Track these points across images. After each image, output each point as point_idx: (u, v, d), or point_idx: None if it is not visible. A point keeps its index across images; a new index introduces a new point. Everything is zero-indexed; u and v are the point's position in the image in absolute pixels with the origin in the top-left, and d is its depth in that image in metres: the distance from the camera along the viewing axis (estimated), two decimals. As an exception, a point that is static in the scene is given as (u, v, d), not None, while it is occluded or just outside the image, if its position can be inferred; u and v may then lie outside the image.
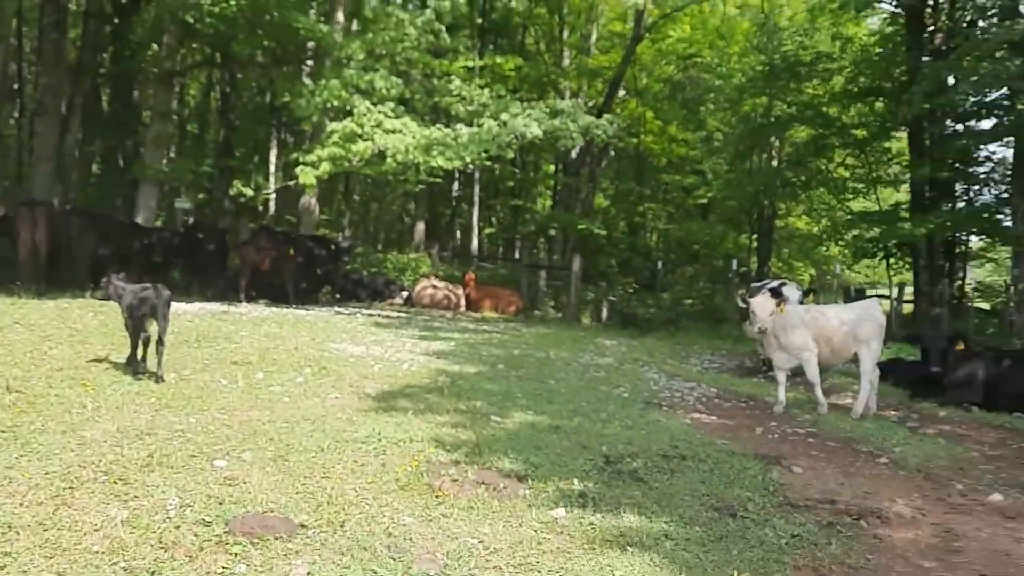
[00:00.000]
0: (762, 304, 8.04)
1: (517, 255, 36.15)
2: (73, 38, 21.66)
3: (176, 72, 18.25)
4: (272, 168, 31.07)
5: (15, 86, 21.59)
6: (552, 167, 34.68)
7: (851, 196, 26.47)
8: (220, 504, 4.39)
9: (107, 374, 7.61)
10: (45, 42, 17.53)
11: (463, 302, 20.31)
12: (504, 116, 14.10)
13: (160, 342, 7.70)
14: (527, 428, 6.75)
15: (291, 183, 16.38)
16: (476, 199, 32.44)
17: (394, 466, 5.37)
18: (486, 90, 15.51)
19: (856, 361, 8.56)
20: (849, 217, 24.79)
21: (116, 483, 4.72)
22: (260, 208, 32.68)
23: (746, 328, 12.87)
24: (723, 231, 34.87)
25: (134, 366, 7.83)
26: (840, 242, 27.27)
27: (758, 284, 13.57)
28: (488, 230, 35.98)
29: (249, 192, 14.93)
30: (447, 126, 14.25)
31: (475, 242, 32.91)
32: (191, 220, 19.74)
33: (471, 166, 14.85)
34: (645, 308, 26.63)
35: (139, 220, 17.67)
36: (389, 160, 13.83)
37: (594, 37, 36.33)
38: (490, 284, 22.50)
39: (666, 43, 34.19)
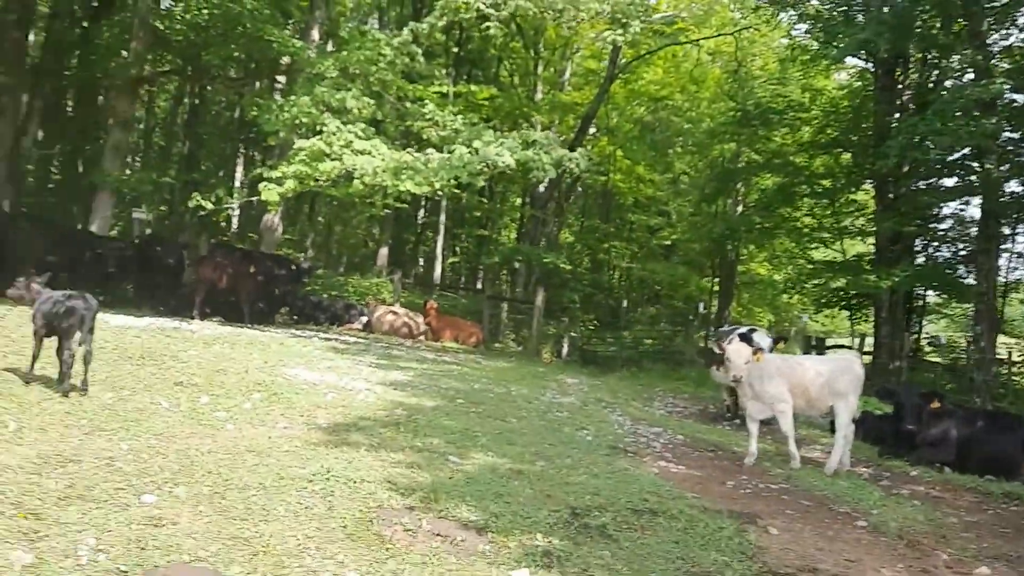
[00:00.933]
0: (738, 351, 7.75)
1: (480, 286, 35.89)
2: (39, 41, 21.06)
3: (142, 79, 17.72)
4: (237, 184, 30.50)
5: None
6: (519, 199, 34.52)
7: (814, 246, 26.66)
8: (142, 550, 3.92)
9: (37, 390, 7.05)
10: (6, 39, 16.91)
11: (423, 330, 19.87)
12: (477, 144, 13.81)
13: (89, 353, 7.14)
14: (487, 472, 6.33)
15: (253, 199, 15.86)
16: (442, 227, 32.12)
17: (342, 510, 4.93)
18: (459, 116, 15.22)
19: (829, 415, 8.30)
20: (812, 266, 24.90)
21: (26, 518, 4.22)
22: (223, 224, 32.02)
23: (714, 374, 12.63)
24: (685, 273, 35.10)
25: (28, 374, 7.27)
26: (802, 291, 27.36)
27: (726, 329, 13.36)
28: (452, 259, 35.62)
29: (208, 206, 14.35)
30: (418, 151, 13.91)
31: (438, 270, 32.53)
32: (148, 232, 19.14)
33: (439, 193, 14.49)
34: (605, 346, 26.47)
35: (93, 229, 17.01)
36: (356, 182, 13.43)
37: (568, 73, 36.48)
38: (451, 314, 22.10)
39: (639, 84, 34.48)
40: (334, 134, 13.46)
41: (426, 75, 17.30)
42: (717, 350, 8.43)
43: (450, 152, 13.67)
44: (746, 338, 8.89)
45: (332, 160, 13.38)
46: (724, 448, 9.22)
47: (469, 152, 13.69)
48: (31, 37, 18.67)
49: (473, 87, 22.36)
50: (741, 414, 12.17)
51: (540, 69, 34.46)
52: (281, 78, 19.60)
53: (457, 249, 37.64)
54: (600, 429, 9.26)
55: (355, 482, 5.53)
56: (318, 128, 14.03)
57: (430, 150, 13.75)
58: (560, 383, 13.77)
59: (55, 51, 19.21)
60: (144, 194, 19.08)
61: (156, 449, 5.81)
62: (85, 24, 20.97)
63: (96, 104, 21.66)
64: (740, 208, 36.87)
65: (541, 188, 31.86)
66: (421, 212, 33.99)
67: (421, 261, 35.44)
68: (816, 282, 24.76)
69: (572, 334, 26.75)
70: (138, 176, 18.30)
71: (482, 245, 36.79)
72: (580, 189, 36.88)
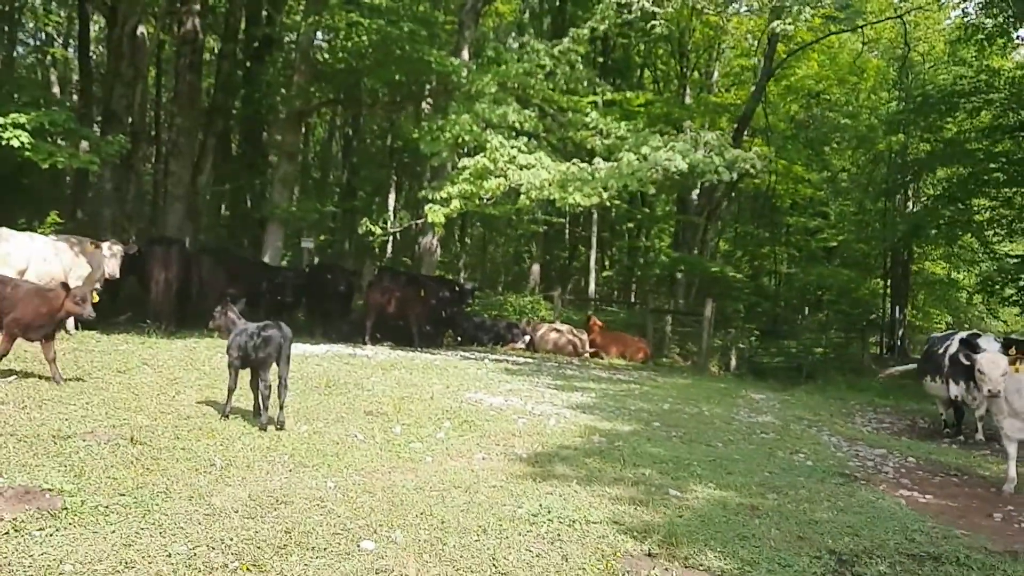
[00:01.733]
0: (993, 362, 6.64)
1: (633, 298, 34.95)
2: (206, 86, 22.18)
3: (305, 112, 18.21)
4: (391, 209, 31.14)
5: (152, 131, 22.16)
6: (667, 207, 33.19)
7: (998, 240, 24.23)
8: (380, 611, 3.47)
9: (236, 424, 6.93)
10: (181, 84, 17.78)
11: (587, 347, 19.27)
12: (644, 149, 13.12)
13: (283, 385, 6.96)
14: (717, 508, 5.60)
15: (417, 222, 15.81)
16: (594, 240, 31.47)
17: (578, 558, 4.36)
18: (623, 123, 14.59)
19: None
20: (1016, 260, 22.43)
21: (250, 571, 3.89)
22: (376, 249, 32.77)
23: (928, 385, 11.32)
24: (853, 276, 33.01)
25: (225, 410, 7.15)
26: (992, 290, 24.74)
27: (939, 336, 11.98)
28: (606, 273, 34.89)
29: (378, 231, 14.40)
30: (583, 161, 13.37)
31: (592, 285, 31.88)
32: (316, 260, 19.58)
33: (608, 203, 13.84)
34: (770, 357, 24.94)
35: (266, 259, 17.51)
36: (523, 197, 13.05)
37: (716, 75, 35.21)
38: (613, 329, 21.38)
39: (793, 79, 32.79)
40: (497, 150, 13.13)
41: (587, 82, 16.77)
42: (965, 360, 7.31)
43: (616, 160, 13.04)
44: (971, 344, 7.72)
45: (496, 177, 13.05)
46: (967, 472, 8.03)
47: (637, 159, 13.01)
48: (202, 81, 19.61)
49: (628, 94, 21.64)
50: (966, 431, 10.83)
51: (688, 72, 33.43)
52: (431, 101, 19.72)
53: (607, 263, 36.97)
54: (816, 452, 8.30)
55: (579, 523, 4.95)
56: (479, 145, 13.76)
57: (597, 159, 13.17)
58: (747, 400, 12.78)
59: (223, 91, 20.12)
60: (310, 223, 19.58)
61: (362, 486, 5.45)
62: (248, 64, 21.88)
63: (260, 140, 22.56)
64: (911, 204, 34.45)
65: (694, 195, 30.80)
66: (567, 227, 33.51)
67: (574, 276, 34.88)
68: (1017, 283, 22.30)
69: (740, 345, 25.45)
70: (304, 206, 18.75)
71: (634, 256, 35.96)
72: (733, 194, 35.32)
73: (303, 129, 20.08)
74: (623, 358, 18.95)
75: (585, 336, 19.35)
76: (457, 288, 17.44)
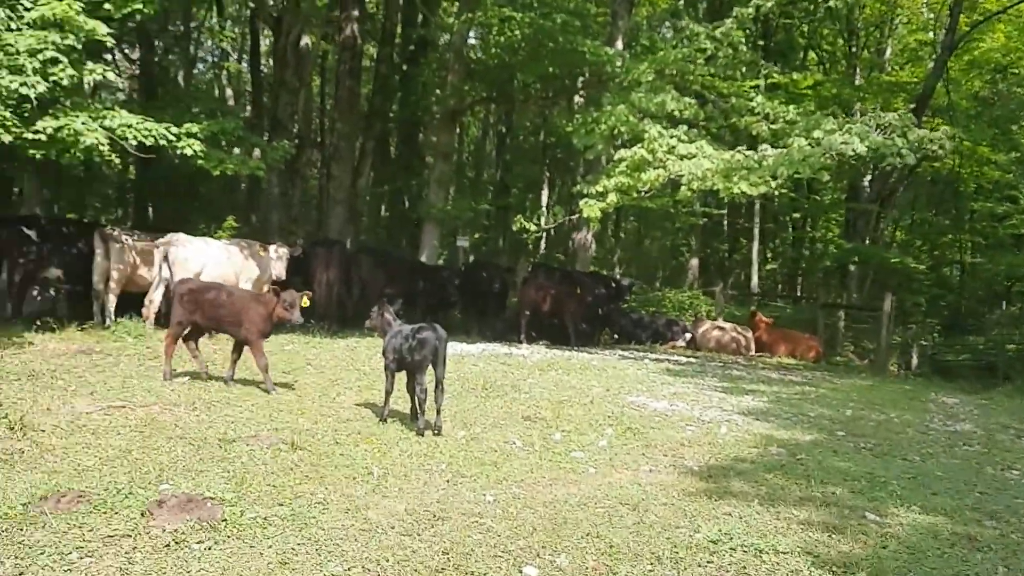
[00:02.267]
0: None
1: (799, 292, 33.05)
2: (365, 92, 22.78)
3: (459, 111, 18.25)
4: (544, 206, 30.96)
5: (316, 137, 22.99)
6: (835, 195, 31.00)
7: None
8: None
9: (393, 428, 6.79)
10: (341, 89, 18.27)
11: (752, 346, 18.24)
12: (817, 133, 12.10)
13: (439, 388, 6.74)
14: (927, 538, 4.85)
15: (572, 217, 15.44)
16: (756, 232, 29.96)
17: (771, 598, 3.80)
18: (791, 106, 13.59)
19: None
20: None
21: (406, 597, 3.61)
22: (530, 246, 32.71)
23: None
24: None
25: (383, 414, 7.01)
26: None
27: None
28: (769, 265, 33.21)
29: (533, 227, 14.14)
30: (749, 148, 12.52)
31: (755, 279, 30.38)
32: (471, 259, 19.64)
33: (775, 192, 12.92)
34: (955, 354, 22.86)
35: (423, 259, 17.69)
36: (683, 188, 12.37)
37: (888, 52, 32.69)
38: (780, 326, 20.15)
39: (976, 53, 29.92)
40: (656, 140, 12.51)
41: (749, 66, 15.81)
42: None
43: (785, 146, 12.10)
44: None
45: (655, 168, 12.44)
46: None
47: (808, 144, 12.03)
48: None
49: (795, 75, 20.22)
50: None
51: (857, 51, 31.23)
52: (584, 93, 19.27)
53: (768, 255, 35.23)
54: (1036, 470, 7.23)
55: (768, 553, 4.39)
56: (637, 136, 13.19)
57: (764, 146, 12.29)
58: (939, 404, 11.51)
59: (381, 95, 20.55)
60: (464, 222, 19.66)
61: (523, 501, 5.11)
62: (404, 68, 22.27)
63: (416, 141, 22.93)
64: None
65: (866, 181, 28.72)
66: (726, 218, 32.11)
67: (735, 270, 33.47)
68: None
69: (922, 342, 23.51)
70: (459, 205, 18.83)
71: (799, 248, 34.06)
72: (909, 179, 32.67)
73: (457, 128, 20.10)
74: (793, 357, 17.78)
75: (750, 334, 18.33)
76: (613, 284, 16.93)
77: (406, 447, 6.25)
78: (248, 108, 25.16)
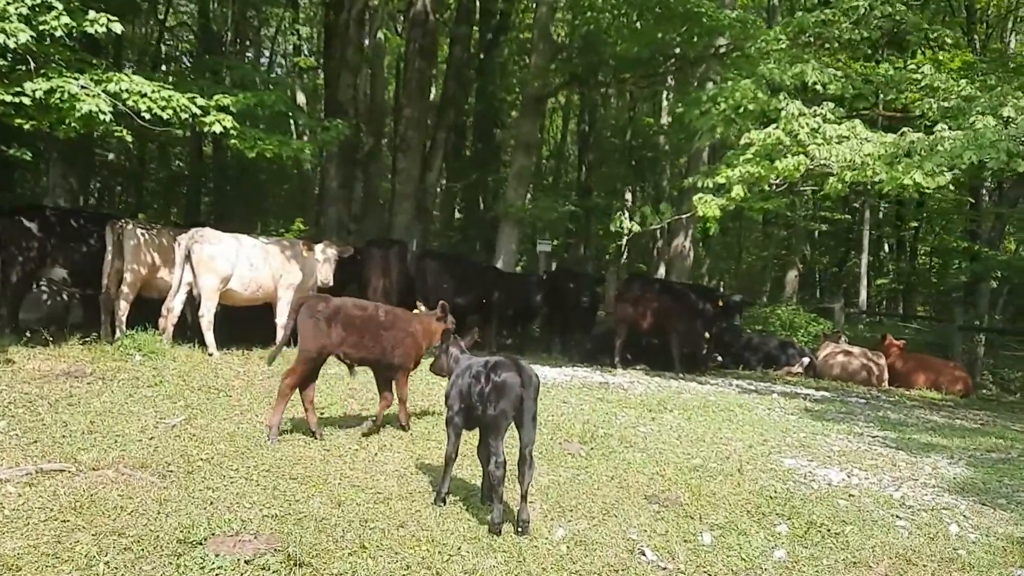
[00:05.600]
0: None
1: (901, 309, 29.57)
2: (438, 76, 20.59)
3: (543, 97, 15.90)
4: (626, 210, 28.29)
5: (383, 126, 20.87)
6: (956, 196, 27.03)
7: None
8: None
9: (454, 515, 4.46)
10: (410, 71, 16.15)
11: (885, 374, 15.32)
12: (1006, 111, 9.35)
13: (526, 460, 4.36)
14: None
15: (683, 216, 12.90)
16: (866, 240, 26.64)
17: None
18: (964, 81, 10.82)
19: None
20: None
21: None
22: (608, 255, 30.07)
23: None
24: None
25: (441, 492, 4.70)
26: None
27: None
28: (880, 280, 29.81)
29: (635, 228, 11.62)
30: (917, 130, 9.81)
31: (863, 294, 27.11)
32: (554, 265, 17.28)
33: (950, 186, 10.14)
34: None
35: (499, 264, 15.42)
36: (833, 180, 9.74)
37: (1014, 42, 29.01)
38: (918, 353, 17.10)
39: None
40: (797, 119, 9.90)
41: (926, 31, 12.99)
42: None
43: (968, 127, 9.36)
44: None
45: (794, 155, 9.84)
46: None
47: (996, 123, 9.28)
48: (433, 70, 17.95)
49: (942, 54, 16.97)
50: None
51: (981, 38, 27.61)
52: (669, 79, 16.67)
53: (879, 267, 31.77)
54: None
55: None
56: (768, 116, 10.60)
57: (941, 125, 9.57)
58: None
59: (456, 80, 18.35)
60: (545, 224, 17.32)
61: None
62: (482, 54, 20.04)
63: (493, 135, 20.68)
64: None
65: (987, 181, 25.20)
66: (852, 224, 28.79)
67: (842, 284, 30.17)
68: None
69: (1074, 372, 20.13)
70: (541, 205, 16.49)
71: (912, 260, 30.57)
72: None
73: (541, 119, 17.64)
74: (936, 389, 14.81)
75: (883, 360, 15.41)
76: (721, 301, 14.35)
77: (472, 556, 3.90)
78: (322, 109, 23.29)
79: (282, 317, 9.57)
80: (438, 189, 18.34)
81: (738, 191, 10.09)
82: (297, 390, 5.88)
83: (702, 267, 31.77)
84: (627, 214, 26.33)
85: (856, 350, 15.68)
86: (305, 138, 12.82)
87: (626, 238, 12.06)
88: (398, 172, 16.29)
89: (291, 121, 14.74)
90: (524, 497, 4.37)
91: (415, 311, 7.08)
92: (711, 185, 10.77)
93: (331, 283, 9.62)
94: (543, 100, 16.33)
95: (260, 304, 9.86)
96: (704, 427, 7.62)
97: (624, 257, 30.83)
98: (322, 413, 6.64)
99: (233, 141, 9.32)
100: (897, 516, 5.22)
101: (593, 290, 14.04)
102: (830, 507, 5.26)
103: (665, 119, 23.97)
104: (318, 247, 9.74)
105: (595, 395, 8.99)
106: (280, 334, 7.96)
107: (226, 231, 9.62)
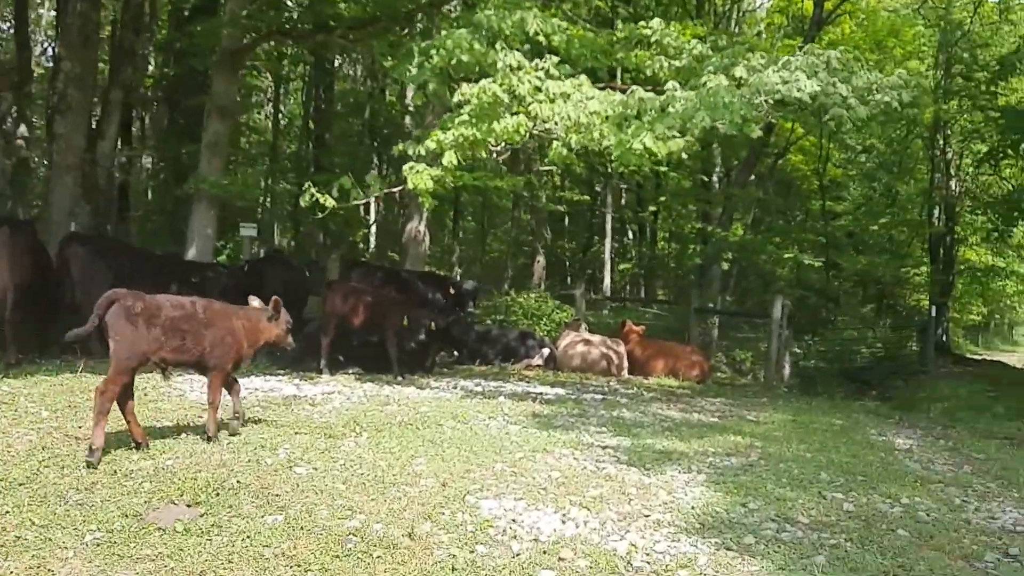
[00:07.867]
0: None
1: (653, 295, 30.26)
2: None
3: (240, 51, 13.39)
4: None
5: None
6: (682, 181, 27.75)
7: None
8: None
9: None
10: (70, 15, 12.94)
11: (625, 363, 14.58)
12: (738, 71, 8.47)
13: None
14: None
15: (394, 190, 11.02)
16: (608, 224, 26.65)
17: None
18: (695, 40, 9.92)
19: None
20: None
21: None
22: (360, 244, 27.97)
23: None
24: (889, 261, 29.92)
25: None
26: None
27: None
28: (622, 265, 30.11)
29: (330, 202, 9.55)
30: (651, 90, 8.66)
31: (607, 279, 27.14)
32: (262, 252, 14.86)
33: (685, 153, 9.08)
34: (807, 360, 21.08)
35: (192, 251, 12.78)
36: (557, 145, 8.35)
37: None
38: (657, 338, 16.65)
39: (825, 43, 28.73)
40: (515, 72, 8.39)
41: None
42: None
43: (701, 87, 8.33)
44: None
45: (513, 114, 8.33)
46: None
47: (730, 83, 8.35)
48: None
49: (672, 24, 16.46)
50: None
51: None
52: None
53: (632, 251, 32.29)
54: None
55: None
56: (485, 70, 9.02)
57: (671, 84, 8.47)
58: (900, 453, 8.03)
59: (132, 28, 14.96)
60: (252, 201, 14.75)
61: None
62: None
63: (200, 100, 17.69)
64: (953, 183, 32.14)
65: (716, 168, 26.28)
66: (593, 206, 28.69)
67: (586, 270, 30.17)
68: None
69: (795, 350, 21.01)
70: (243, 180, 13.97)
71: (652, 244, 31.37)
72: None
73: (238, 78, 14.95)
74: (674, 376, 14.28)
75: (622, 348, 14.64)
76: (452, 289, 12.77)
77: None
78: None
79: None
80: (119, 162, 15.13)
81: (450, 157, 8.40)
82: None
83: (453, 255, 30.58)
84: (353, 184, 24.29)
85: (596, 339, 14.80)
86: None
87: (321, 215, 9.89)
88: (55, 139, 13.04)
89: None
90: None
91: (249, 306, 6.33)
92: (423, 152, 9.02)
93: None
94: (240, 55, 13.79)
95: None
96: (394, 457, 5.78)
97: (372, 246, 28.94)
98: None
99: None
100: (623, 596, 3.65)
101: (302, 280, 11.87)
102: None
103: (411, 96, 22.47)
104: None
105: (270, 415, 6.89)
106: None
107: None
